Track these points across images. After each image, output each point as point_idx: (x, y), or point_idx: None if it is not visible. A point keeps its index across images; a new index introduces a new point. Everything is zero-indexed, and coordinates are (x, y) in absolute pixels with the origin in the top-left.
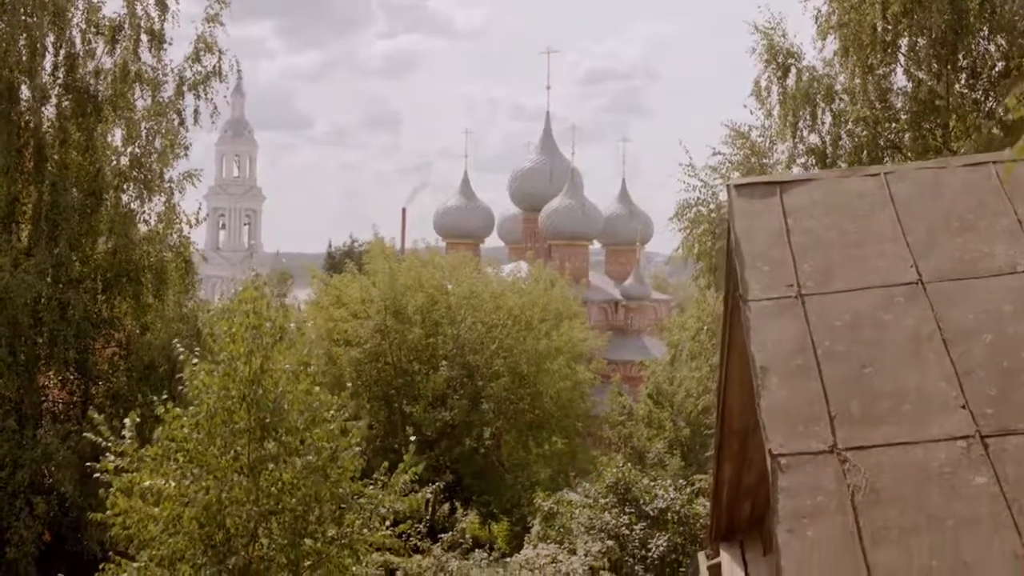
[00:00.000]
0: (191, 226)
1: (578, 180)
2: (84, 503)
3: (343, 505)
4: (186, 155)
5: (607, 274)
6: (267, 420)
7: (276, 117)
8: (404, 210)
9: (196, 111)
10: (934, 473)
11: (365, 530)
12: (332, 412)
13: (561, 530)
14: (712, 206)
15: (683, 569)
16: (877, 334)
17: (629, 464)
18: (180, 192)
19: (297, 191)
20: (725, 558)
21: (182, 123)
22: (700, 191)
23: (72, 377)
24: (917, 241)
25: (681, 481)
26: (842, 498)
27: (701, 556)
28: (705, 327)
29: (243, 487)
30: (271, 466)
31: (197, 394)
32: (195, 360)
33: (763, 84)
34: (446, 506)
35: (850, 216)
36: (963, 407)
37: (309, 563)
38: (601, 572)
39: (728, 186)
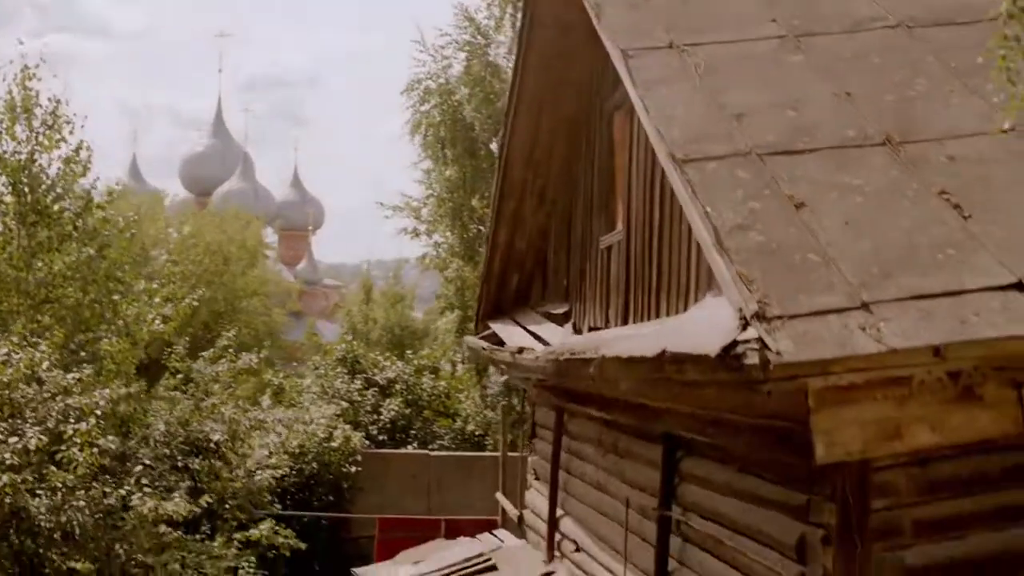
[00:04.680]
0: None
1: (250, 164)
2: None
3: (118, 294)
4: None
5: (280, 259)
6: (39, 205)
7: None
8: None
9: None
10: (759, 56)
11: (140, 322)
12: (104, 199)
13: (291, 403)
14: (441, 80)
15: (413, 431)
16: None
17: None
18: None
19: None
20: (497, 326)
21: None
22: (430, 66)
23: None
24: None
25: (409, 353)
26: (686, 70)
27: (468, 338)
28: (435, 195)
29: (15, 276)
30: (44, 254)
31: None
32: None
33: None
34: None
35: None
36: (773, 21)
37: (87, 348)
38: (341, 426)
39: None
